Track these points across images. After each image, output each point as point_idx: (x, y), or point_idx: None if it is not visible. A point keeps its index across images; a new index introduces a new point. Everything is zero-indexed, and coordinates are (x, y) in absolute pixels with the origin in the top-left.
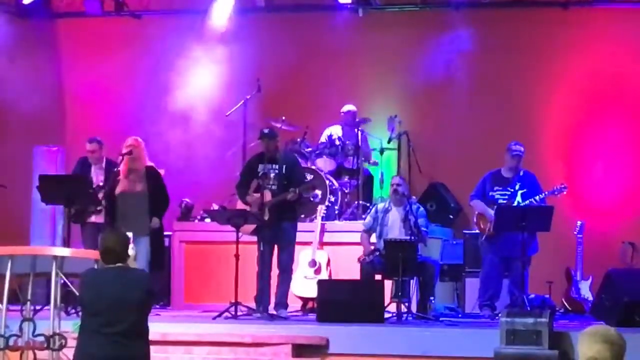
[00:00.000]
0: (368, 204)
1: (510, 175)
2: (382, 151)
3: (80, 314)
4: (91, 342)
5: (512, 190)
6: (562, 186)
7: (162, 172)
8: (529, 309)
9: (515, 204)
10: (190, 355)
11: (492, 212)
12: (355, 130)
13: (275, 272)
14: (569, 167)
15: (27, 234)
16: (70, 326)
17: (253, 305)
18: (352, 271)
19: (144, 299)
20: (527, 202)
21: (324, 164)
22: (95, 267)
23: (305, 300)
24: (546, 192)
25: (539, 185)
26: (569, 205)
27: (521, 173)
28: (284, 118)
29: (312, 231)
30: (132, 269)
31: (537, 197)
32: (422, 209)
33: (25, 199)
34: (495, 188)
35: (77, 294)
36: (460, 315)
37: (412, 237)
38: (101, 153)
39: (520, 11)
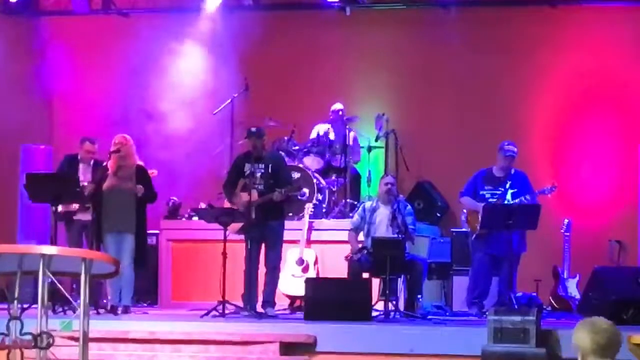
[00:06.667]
0: (355, 202)
1: (501, 174)
2: (369, 149)
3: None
4: None
5: (502, 189)
6: (553, 186)
7: (155, 172)
8: (516, 307)
9: (505, 202)
10: (178, 353)
11: None
12: (345, 128)
13: (262, 270)
14: (556, 165)
15: (14, 232)
16: (57, 325)
17: (241, 303)
18: (339, 269)
19: None
20: (516, 200)
21: (312, 162)
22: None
23: (292, 299)
24: (536, 192)
25: (530, 184)
26: (556, 203)
27: (512, 172)
28: (271, 116)
29: (300, 229)
30: None
31: (527, 196)
32: (409, 207)
33: (12, 197)
34: (486, 187)
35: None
36: (447, 314)
37: (400, 236)
38: (95, 153)
39: (508, 10)
